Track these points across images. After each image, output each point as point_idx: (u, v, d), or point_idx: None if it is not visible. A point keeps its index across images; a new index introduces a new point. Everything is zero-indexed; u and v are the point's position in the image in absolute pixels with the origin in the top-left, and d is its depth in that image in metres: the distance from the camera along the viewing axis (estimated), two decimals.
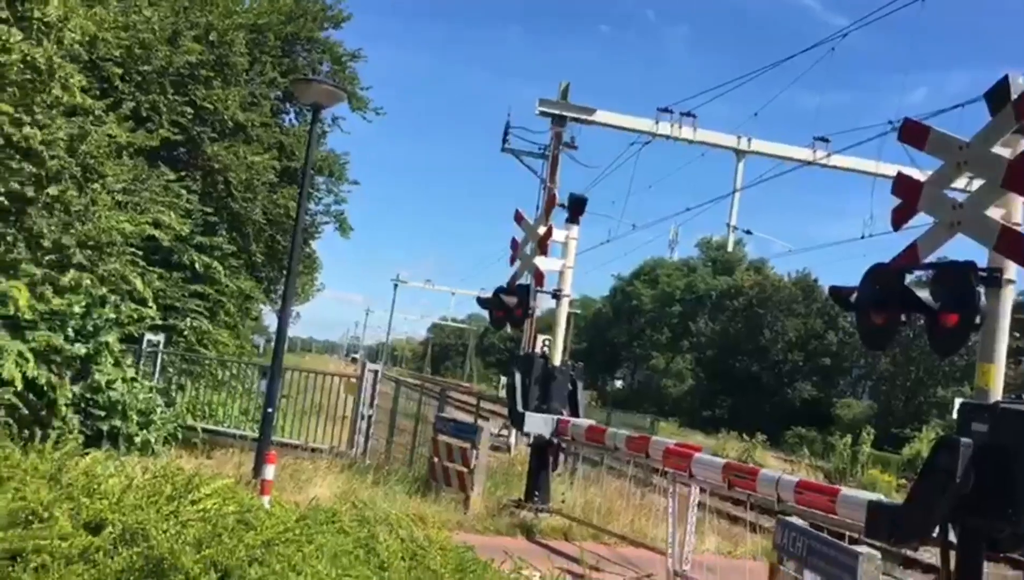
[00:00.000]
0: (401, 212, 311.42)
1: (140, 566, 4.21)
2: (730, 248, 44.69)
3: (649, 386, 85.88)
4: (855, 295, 7.32)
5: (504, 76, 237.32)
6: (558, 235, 13.73)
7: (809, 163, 27.69)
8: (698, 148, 29.29)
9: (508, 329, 15.27)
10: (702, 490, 10.65)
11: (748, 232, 31.35)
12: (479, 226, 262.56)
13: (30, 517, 4.27)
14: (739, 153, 28.60)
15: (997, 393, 6.84)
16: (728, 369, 73.13)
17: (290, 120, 25.56)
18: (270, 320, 36.17)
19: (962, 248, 7.13)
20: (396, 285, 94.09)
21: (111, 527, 4.27)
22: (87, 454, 5.95)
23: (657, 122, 28.12)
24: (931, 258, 7.23)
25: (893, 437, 47.85)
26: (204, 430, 15.81)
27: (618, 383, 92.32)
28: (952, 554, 6.84)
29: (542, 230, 13.74)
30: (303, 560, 4.23)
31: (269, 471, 9.68)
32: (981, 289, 6.69)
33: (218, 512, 4.73)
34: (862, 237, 28.06)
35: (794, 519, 7.38)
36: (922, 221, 7.42)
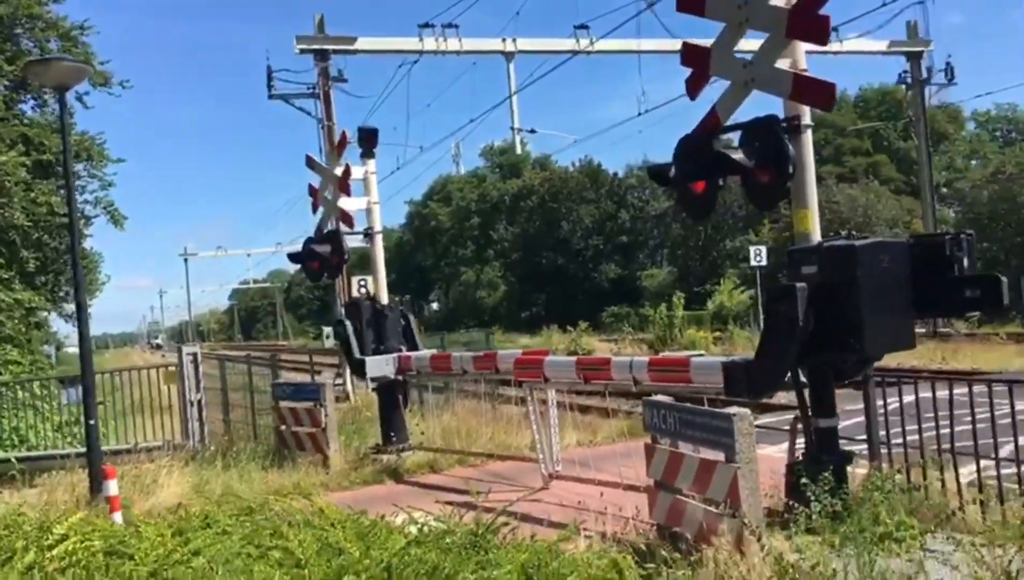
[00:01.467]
0: (177, 183, 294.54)
1: None
2: (518, 150, 45.08)
3: (465, 301, 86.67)
4: (672, 171, 7.41)
5: (259, 18, 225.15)
6: (356, 172, 13.25)
7: (575, 53, 28.15)
8: (468, 58, 29.17)
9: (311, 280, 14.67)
10: (557, 390, 10.77)
11: (532, 131, 31.71)
12: (265, 181, 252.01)
13: None
14: (507, 55, 28.64)
15: (817, 235, 7.19)
16: (535, 267, 74.87)
17: (30, 108, 23.15)
18: (57, 326, 33.42)
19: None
20: (186, 259, 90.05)
21: None
22: None
23: (421, 39, 27.71)
24: (731, 120, 7.42)
25: (697, 295, 50.77)
26: (18, 459, 14.44)
27: (434, 306, 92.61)
28: (806, 392, 7.26)
29: (339, 171, 13.20)
30: (200, 577, 3.85)
31: (112, 487, 8.91)
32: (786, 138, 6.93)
33: (85, 551, 4.22)
34: (639, 114, 29.23)
35: (659, 397, 7.55)
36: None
